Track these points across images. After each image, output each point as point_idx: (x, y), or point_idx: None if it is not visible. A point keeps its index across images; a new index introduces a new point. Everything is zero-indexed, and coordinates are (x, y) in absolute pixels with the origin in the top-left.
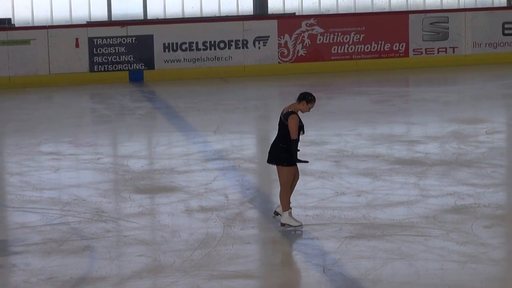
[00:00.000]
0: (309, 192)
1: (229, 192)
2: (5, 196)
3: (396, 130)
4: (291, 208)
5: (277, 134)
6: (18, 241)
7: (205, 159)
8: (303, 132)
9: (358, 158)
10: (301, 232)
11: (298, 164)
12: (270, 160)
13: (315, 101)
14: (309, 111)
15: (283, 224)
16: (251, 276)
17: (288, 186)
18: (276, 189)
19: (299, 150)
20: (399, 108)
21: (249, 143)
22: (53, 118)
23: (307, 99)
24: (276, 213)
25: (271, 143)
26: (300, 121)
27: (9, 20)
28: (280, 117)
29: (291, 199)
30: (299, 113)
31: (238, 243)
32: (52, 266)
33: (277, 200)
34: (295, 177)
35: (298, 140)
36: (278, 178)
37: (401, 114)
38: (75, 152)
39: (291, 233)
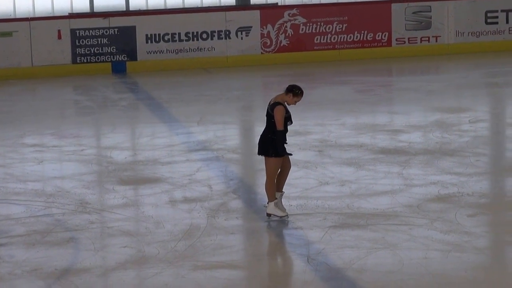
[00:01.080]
0: (292, 182)
1: (213, 183)
2: None
3: (379, 120)
4: (276, 198)
5: (266, 125)
6: (2, 233)
7: (189, 150)
8: (291, 122)
9: (342, 147)
10: (286, 222)
11: None
12: (259, 151)
13: (302, 95)
14: (295, 104)
15: (268, 215)
16: (235, 267)
17: (274, 177)
18: (260, 179)
19: (286, 143)
20: (382, 97)
21: (232, 133)
22: (36, 110)
23: (294, 92)
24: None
25: (254, 133)
26: (287, 111)
27: None
28: (267, 108)
29: (284, 188)
30: (286, 104)
31: (222, 234)
32: (37, 258)
33: (261, 190)
34: (286, 167)
35: (285, 131)
36: (264, 168)
37: (384, 104)
38: (58, 143)
39: (276, 223)
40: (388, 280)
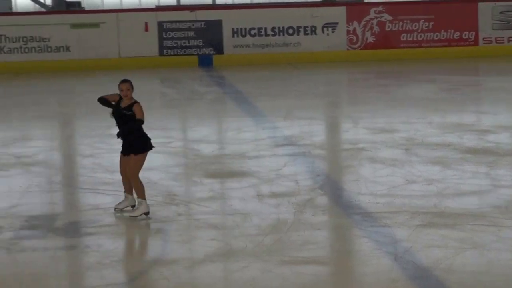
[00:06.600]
0: (379, 179)
1: (300, 178)
2: (77, 178)
3: (466, 119)
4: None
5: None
6: (91, 222)
7: (275, 144)
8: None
9: (428, 146)
10: (370, 220)
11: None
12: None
13: (120, 83)
14: (125, 95)
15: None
16: (322, 263)
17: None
18: (347, 176)
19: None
20: (469, 97)
21: (318, 129)
22: None
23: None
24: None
25: (341, 129)
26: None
27: (79, 3)
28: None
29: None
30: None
31: (309, 229)
32: (125, 248)
33: (347, 187)
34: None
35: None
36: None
37: (471, 103)
38: None
39: (362, 220)
40: (476, 280)
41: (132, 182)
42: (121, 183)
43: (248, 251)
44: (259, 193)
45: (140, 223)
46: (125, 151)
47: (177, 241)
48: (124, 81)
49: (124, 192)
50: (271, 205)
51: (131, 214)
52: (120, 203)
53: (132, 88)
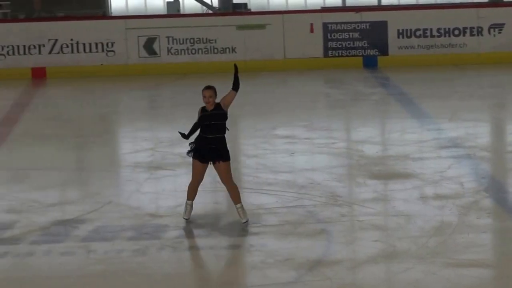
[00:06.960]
0: None
1: (464, 181)
2: (241, 178)
3: None
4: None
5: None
6: (255, 222)
7: (440, 146)
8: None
9: None
10: None
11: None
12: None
13: (203, 90)
14: (207, 102)
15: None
16: (486, 265)
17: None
18: (511, 180)
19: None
20: None
21: (484, 131)
22: (288, 102)
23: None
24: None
25: (506, 132)
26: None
27: (245, 4)
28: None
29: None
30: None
31: (473, 232)
32: (289, 248)
33: None
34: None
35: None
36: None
37: None
38: (310, 136)
39: None
40: None
41: (229, 188)
42: (285, 184)
43: (412, 253)
44: (423, 195)
45: (304, 224)
46: (212, 158)
47: (340, 242)
48: (208, 87)
49: (188, 200)
50: (435, 207)
51: (244, 221)
52: (186, 213)
53: (216, 94)
